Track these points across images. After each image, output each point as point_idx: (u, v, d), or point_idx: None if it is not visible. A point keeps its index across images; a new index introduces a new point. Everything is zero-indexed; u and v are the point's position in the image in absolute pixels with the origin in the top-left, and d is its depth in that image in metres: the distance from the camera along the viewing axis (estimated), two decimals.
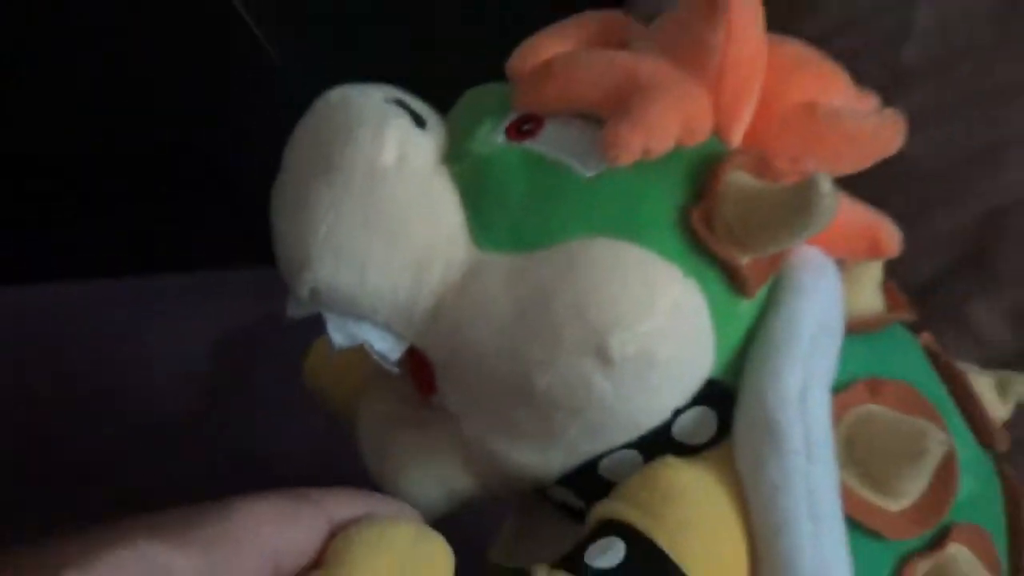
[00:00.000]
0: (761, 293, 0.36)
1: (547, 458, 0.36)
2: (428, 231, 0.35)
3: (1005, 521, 0.40)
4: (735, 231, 0.35)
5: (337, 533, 0.32)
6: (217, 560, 0.29)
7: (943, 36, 0.67)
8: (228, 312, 0.77)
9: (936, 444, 0.35)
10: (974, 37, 0.67)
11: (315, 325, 0.41)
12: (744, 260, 0.35)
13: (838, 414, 0.36)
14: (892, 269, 0.42)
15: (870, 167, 0.39)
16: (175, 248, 0.88)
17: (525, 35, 0.39)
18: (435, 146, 0.37)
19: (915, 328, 0.42)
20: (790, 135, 0.37)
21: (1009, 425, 0.42)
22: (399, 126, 0.35)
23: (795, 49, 0.39)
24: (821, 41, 0.39)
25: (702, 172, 0.36)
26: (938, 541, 0.37)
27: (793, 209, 0.33)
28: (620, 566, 0.33)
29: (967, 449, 0.39)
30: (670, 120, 0.34)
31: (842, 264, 0.39)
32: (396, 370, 0.37)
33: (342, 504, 0.33)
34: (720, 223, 0.35)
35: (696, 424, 0.36)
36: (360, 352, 0.38)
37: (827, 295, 0.37)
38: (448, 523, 0.35)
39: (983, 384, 0.42)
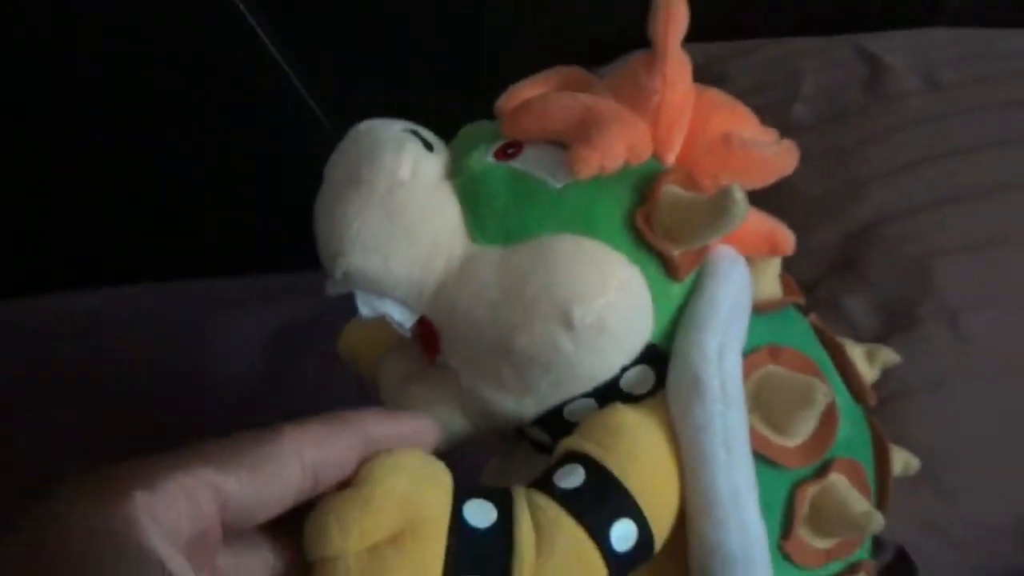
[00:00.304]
0: (689, 278, 0.36)
1: (523, 404, 0.36)
2: (435, 229, 0.35)
3: (873, 458, 0.41)
4: (669, 230, 0.35)
5: (370, 448, 0.31)
6: (264, 478, 0.28)
7: (823, 99, 0.68)
8: (280, 310, 0.76)
9: (822, 395, 0.36)
10: (846, 101, 0.68)
11: (346, 319, 0.42)
12: (676, 252, 0.35)
13: (747, 372, 0.36)
14: (787, 267, 0.42)
15: (771, 196, 0.39)
16: (237, 254, 0.86)
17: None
18: (440, 164, 0.37)
19: (804, 310, 0.42)
20: (711, 158, 0.38)
21: (876, 386, 0.43)
22: (413, 149, 0.35)
23: (715, 94, 0.39)
24: None
25: (644, 185, 0.36)
26: (823, 470, 0.37)
27: (714, 212, 0.34)
28: (580, 486, 0.33)
29: (844, 402, 0.40)
30: (620, 145, 0.35)
31: (750, 259, 0.39)
32: (409, 335, 0.37)
33: (374, 422, 0.31)
34: (658, 223, 0.35)
35: (638, 378, 0.36)
36: (381, 326, 0.38)
37: (738, 282, 0.37)
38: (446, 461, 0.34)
39: (856, 353, 0.43)
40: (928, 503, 0.53)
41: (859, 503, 0.37)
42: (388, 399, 0.39)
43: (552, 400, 0.36)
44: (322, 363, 0.47)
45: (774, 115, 0.39)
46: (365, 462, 0.31)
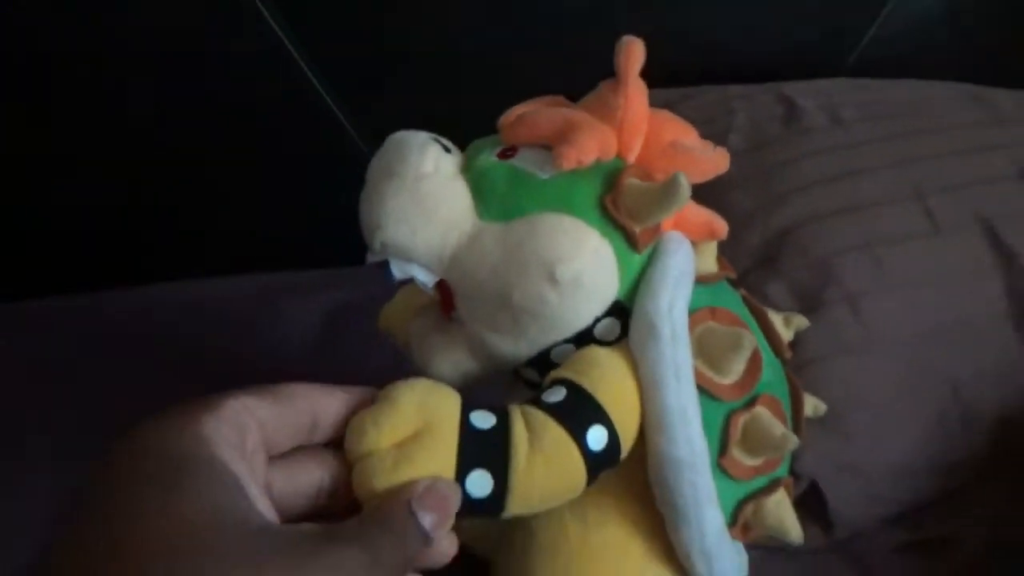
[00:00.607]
0: (647, 251, 0.37)
1: (518, 347, 0.37)
2: (450, 210, 0.36)
3: (789, 397, 0.41)
4: (631, 211, 0.36)
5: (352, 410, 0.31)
6: (282, 408, 0.29)
7: (751, 131, 0.68)
8: (323, 297, 0.75)
9: (748, 342, 0.36)
10: (768, 133, 0.68)
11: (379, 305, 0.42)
12: (637, 229, 0.36)
13: (692, 327, 0.37)
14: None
15: (711, 207, 0.41)
16: (282, 251, 0.84)
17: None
18: (456, 163, 0.38)
19: (735, 284, 0.43)
20: (662, 159, 0.39)
21: (791, 345, 0.43)
22: (434, 150, 0.36)
23: (666, 113, 0.40)
24: None
25: (611, 177, 0.37)
26: (751, 403, 0.38)
27: (665, 194, 0.34)
28: (563, 400, 0.33)
29: (767, 355, 0.40)
30: (592, 146, 0.35)
31: (693, 242, 0.39)
32: (431, 292, 0.37)
33: (360, 394, 0.31)
34: (622, 206, 0.36)
35: (608, 328, 0.37)
36: (409, 307, 0.40)
37: (684, 256, 0.38)
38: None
39: (776, 319, 0.44)
40: (835, 446, 0.53)
41: (779, 428, 0.37)
42: (415, 348, 0.39)
43: (541, 344, 0.37)
44: (360, 340, 0.46)
45: (714, 143, 0.40)
46: (389, 384, 0.31)
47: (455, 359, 0.37)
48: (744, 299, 0.42)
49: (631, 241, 0.36)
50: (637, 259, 0.37)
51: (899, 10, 0.81)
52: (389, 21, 0.75)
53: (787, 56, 0.80)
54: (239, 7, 0.71)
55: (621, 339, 0.37)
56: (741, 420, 0.38)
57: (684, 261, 0.37)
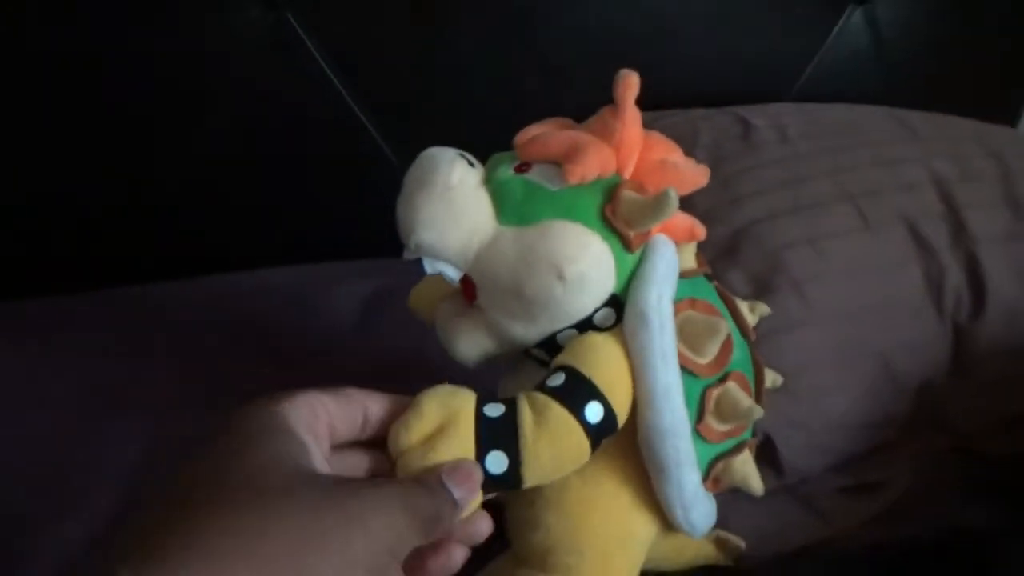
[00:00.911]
0: (639, 252, 0.35)
1: (529, 331, 0.35)
2: (474, 217, 0.34)
3: (753, 372, 0.40)
4: (627, 218, 0.34)
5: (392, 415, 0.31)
6: (343, 406, 0.29)
7: (712, 147, 0.67)
8: (366, 283, 0.72)
9: (723, 329, 0.35)
10: (727, 148, 0.66)
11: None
12: (631, 233, 0.34)
13: (676, 314, 0.36)
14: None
15: (684, 208, 0.37)
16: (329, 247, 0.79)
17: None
18: (479, 175, 0.36)
19: (710, 278, 0.41)
20: (654, 174, 0.37)
21: (755, 328, 0.42)
22: (461, 165, 0.34)
23: (657, 135, 0.38)
24: None
25: (611, 189, 0.35)
26: (723, 379, 0.37)
27: (657, 205, 0.33)
28: (563, 383, 0.32)
29: (736, 336, 0.39)
30: (595, 164, 0.34)
31: (677, 243, 0.38)
32: (457, 285, 0.36)
33: (377, 400, 0.31)
34: (619, 215, 0.34)
35: (605, 317, 0.35)
36: (435, 288, 0.38)
37: (670, 256, 0.36)
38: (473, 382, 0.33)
39: (743, 305, 0.42)
40: (785, 405, 0.52)
41: (746, 400, 0.36)
42: (441, 328, 0.38)
43: (548, 329, 0.35)
44: (398, 319, 0.45)
45: None
46: (416, 395, 0.31)
47: (475, 339, 0.36)
48: (717, 290, 0.41)
49: (626, 244, 0.35)
50: (631, 258, 0.35)
51: (832, 51, 0.81)
52: (418, 58, 0.74)
53: (739, 88, 0.79)
54: (291, 46, 0.69)
55: (616, 325, 0.35)
56: (715, 394, 0.36)
57: (670, 260, 0.36)
